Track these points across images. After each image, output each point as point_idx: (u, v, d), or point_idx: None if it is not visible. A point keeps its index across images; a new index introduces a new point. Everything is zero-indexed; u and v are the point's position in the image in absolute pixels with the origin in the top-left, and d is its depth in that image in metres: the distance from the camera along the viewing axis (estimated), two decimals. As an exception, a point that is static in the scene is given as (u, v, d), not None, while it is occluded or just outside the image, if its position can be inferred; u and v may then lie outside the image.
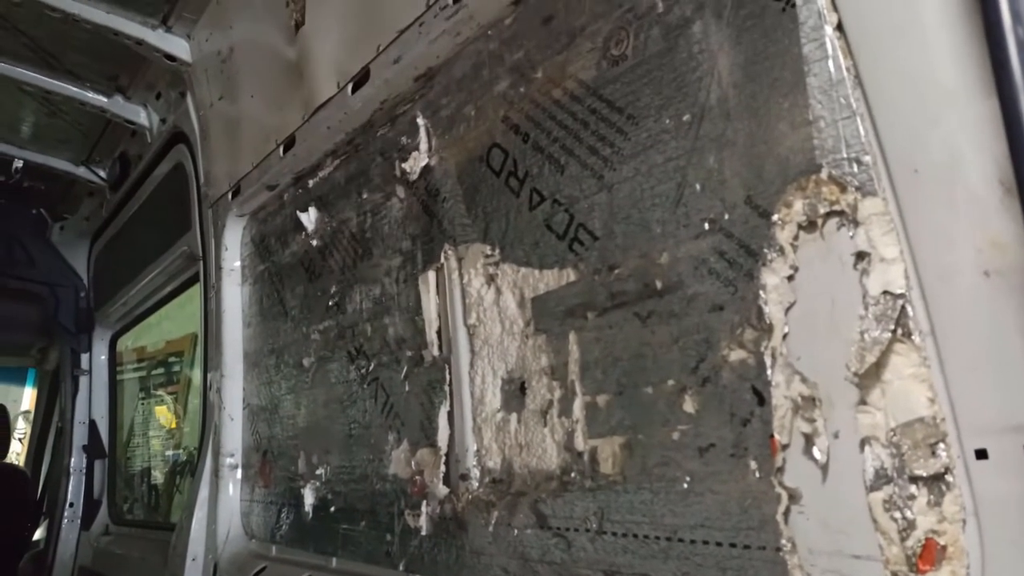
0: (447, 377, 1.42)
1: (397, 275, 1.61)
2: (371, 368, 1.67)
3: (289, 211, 2.06)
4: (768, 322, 0.86)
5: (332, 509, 1.76)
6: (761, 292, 0.87)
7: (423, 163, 1.54)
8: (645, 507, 1.01)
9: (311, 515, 1.84)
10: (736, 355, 0.90)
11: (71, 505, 3.70)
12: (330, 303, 1.85)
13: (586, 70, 1.16)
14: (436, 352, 1.46)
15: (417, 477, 1.46)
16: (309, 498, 1.84)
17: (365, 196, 1.75)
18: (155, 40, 2.48)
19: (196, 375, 3.42)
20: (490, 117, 1.36)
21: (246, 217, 2.32)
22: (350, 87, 1.68)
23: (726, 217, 0.93)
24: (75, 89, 2.88)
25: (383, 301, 1.65)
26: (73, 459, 3.75)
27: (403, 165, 1.58)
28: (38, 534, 3.91)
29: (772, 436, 0.85)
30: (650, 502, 1.00)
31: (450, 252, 1.44)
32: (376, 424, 1.63)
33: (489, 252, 1.34)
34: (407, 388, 1.54)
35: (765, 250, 0.87)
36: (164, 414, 4.02)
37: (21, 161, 3.44)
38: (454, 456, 1.39)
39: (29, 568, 3.81)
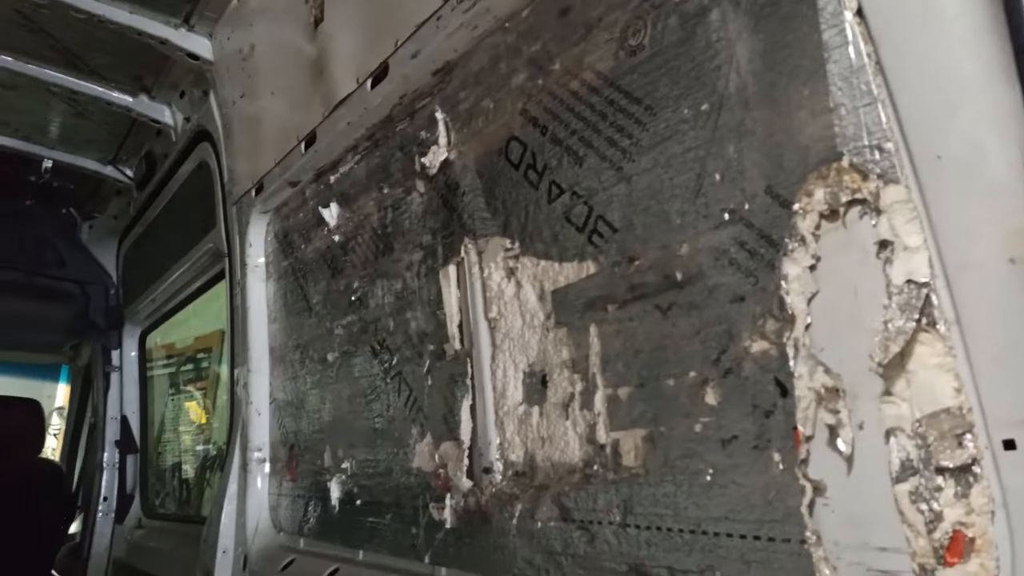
0: (469, 371, 1.42)
1: (418, 269, 1.61)
2: (394, 362, 1.68)
3: (311, 207, 2.08)
4: (790, 312, 0.85)
5: (358, 502, 1.78)
6: (783, 282, 0.86)
7: (442, 157, 1.54)
8: (668, 500, 1.00)
9: (337, 508, 1.86)
10: (758, 346, 0.89)
11: (105, 499, 3.77)
12: (353, 298, 1.87)
13: (603, 61, 1.15)
14: (458, 346, 1.47)
15: (441, 470, 1.47)
16: (335, 491, 1.86)
17: (385, 191, 1.76)
18: (178, 39, 2.51)
19: (224, 371, 3.47)
20: (508, 110, 1.36)
21: (269, 214, 2.34)
22: (369, 83, 1.69)
23: (746, 207, 0.92)
24: (101, 89, 2.92)
25: (405, 296, 1.66)
26: (106, 454, 3.83)
27: (422, 160, 1.58)
28: (74, 527, 3.99)
29: (795, 428, 0.84)
30: (673, 495, 1.00)
31: (470, 246, 1.44)
32: (400, 418, 1.64)
33: (509, 245, 1.34)
34: (430, 382, 1.55)
35: (786, 240, 0.86)
36: (194, 409, 4.08)
37: (50, 161, 3.50)
38: (477, 449, 1.39)
39: (66, 560, 3.90)
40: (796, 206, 0.85)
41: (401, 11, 1.54)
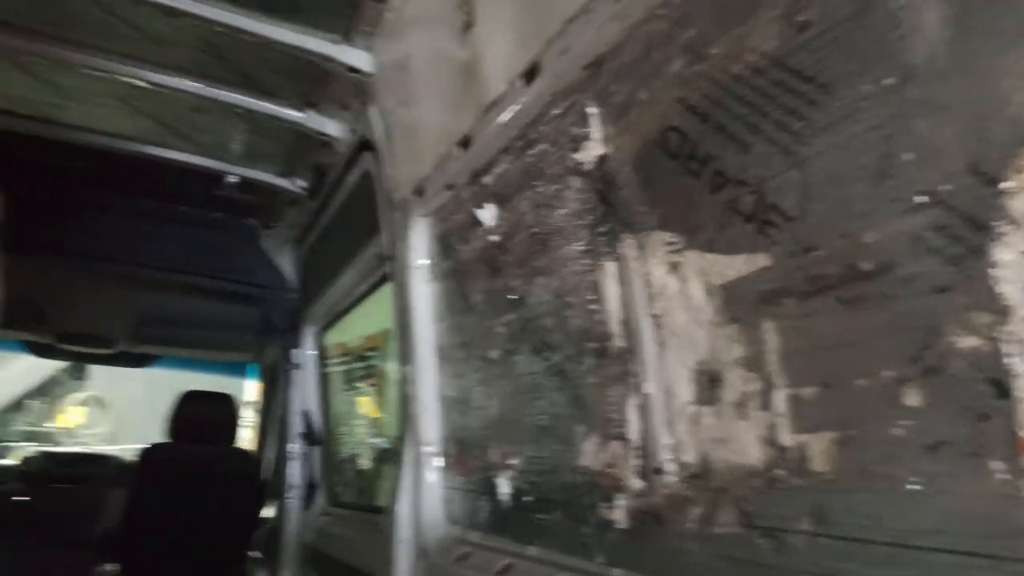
0: (634, 369, 1.40)
1: (577, 267, 1.61)
2: (556, 360, 1.68)
3: (468, 208, 2.13)
4: (1005, 304, 0.76)
5: (527, 499, 1.80)
6: (994, 270, 0.77)
7: (596, 152, 1.52)
8: (866, 508, 0.93)
9: (507, 504, 1.89)
10: (967, 342, 0.80)
11: (293, 487, 4.10)
12: (512, 297, 1.89)
13: (768, 41, 1.09)
14: (621, 343, 1.44)
15: (609, 470, 1.46)
16: (504, 487, 1.89)
17: (540, 189, 1.76)
18: (339, 55, 2.65)
19: (392, 368, 3.65)
20: (664, 100, 1.32)
21: (430, 217, 2.42)
22: (520, 82, 1.70)
23: (944, 188, 0.83)
24: (274, 107, 3.15)
25: (564, 293, 1.66)
26: (293, 445, 4.16)
27: (576, 156, 1.57)
28: (269, 512, 4.36)
29: (1018, 434, 0.75)
30: (871, 503, 0.92)
31: (630, 241, 1.41)
32: (564, 416, 1.64)
33: (671, 239, 1.30)
34: (593, 380, 1.54)
35: (995, 223, 0.77)
36: (366, 404, 4.33)
37: (233, 176, 3.82)
38: (646, 449, 1.37)
39: (264, 542, 4.28)
40: (1006, 185, 0.76)
41: (550, 8, 1.54)
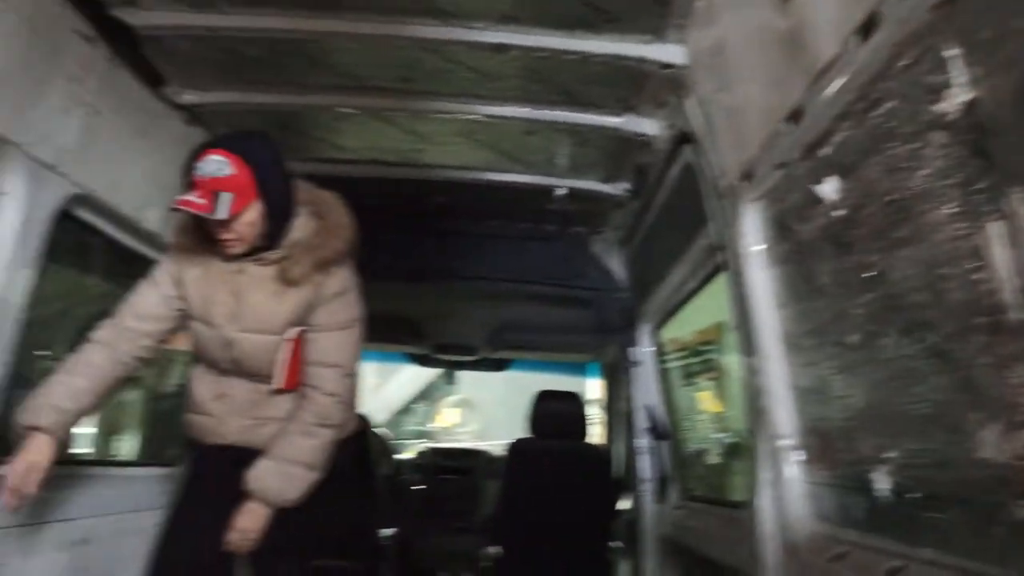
0: None
1: (950, 232, 1.41)
2: (933, 340, 1.49)
3: (804, 185, 2.00)
4: None
5: (911, 495, 1.62)
6: None
7: (962, 99, 1.33)
8: None
9: (888, 501, 1.72)
10: None
11: (645, 480, 4.22)
12: (868, 275, 1.73)
13: None
14: (1021, 316, 1.23)
15: (1021, 463, 1.25)
16: (881, 483, 1.73)
17: (891, 152, 1.59)
18: (653, 54, 2.69)
19: (730, 360, 3.56)
20: (1052, 21, 1.10)
21: (761, 200, 2.33)
22: (856, 40, 1.56)
23: None
24: (595, 117, 3.29)
25: (936, 264, 1.47)
26: (640, 440, 4.28)
27: (935, 108, 1.39)
28: (625, 505, 4.55)
29: None
30: None
31: (1020, 195, 1.20)
32: (951, 402, 1.45)
33: (1081, 186, 1.08)
34: (987, 360, 1.33)
35: None
36: (707, 398, 4.29)
37: (563, 189, 4.07)
38: (1072, 439, 1.15)
39: (624, 533, 4.49)
40: None
41: (886, -50, 1.39)
